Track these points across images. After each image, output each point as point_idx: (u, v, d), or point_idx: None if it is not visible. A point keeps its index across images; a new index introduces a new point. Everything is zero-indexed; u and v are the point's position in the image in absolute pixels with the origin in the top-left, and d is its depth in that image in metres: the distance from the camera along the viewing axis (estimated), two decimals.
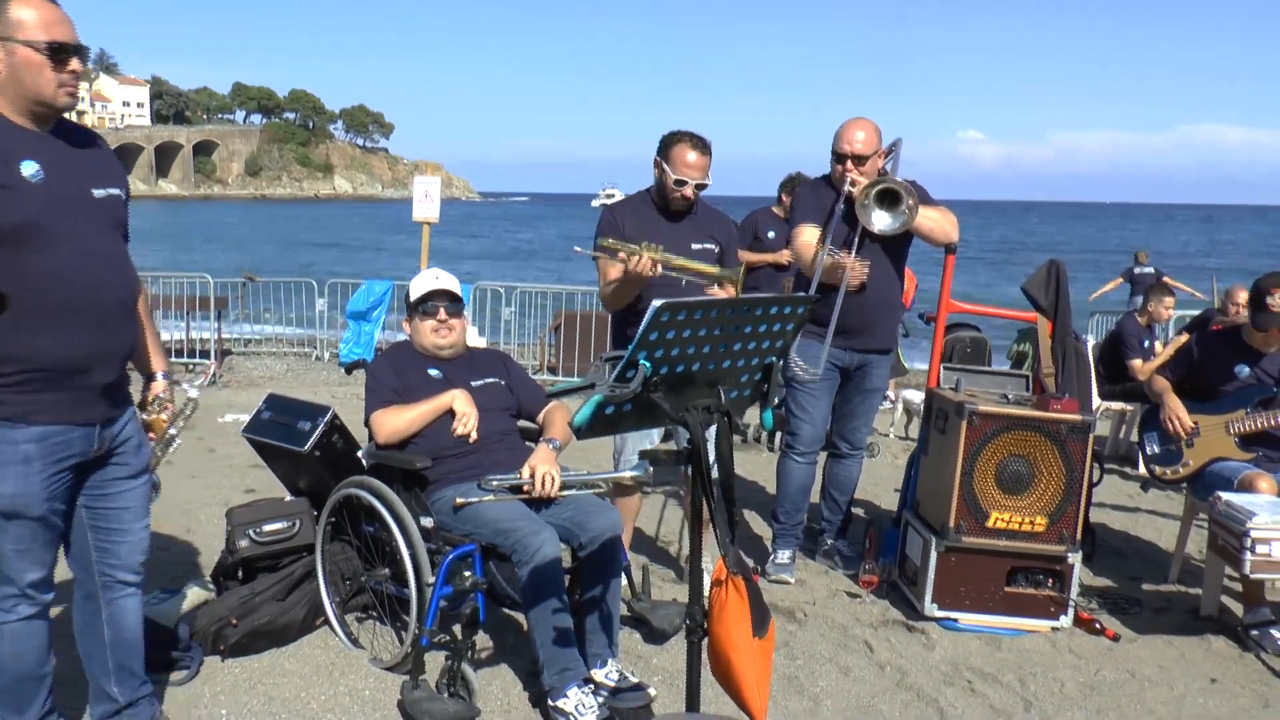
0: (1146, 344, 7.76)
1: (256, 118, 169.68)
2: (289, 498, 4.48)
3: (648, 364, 2.69)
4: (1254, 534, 4.08)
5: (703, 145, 4.38)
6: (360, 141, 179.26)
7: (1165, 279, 12.46)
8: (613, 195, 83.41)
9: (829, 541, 5.22)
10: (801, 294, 3.94)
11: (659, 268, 4.15)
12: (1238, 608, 4.68)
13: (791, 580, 4.91)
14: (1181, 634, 4.53)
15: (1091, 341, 8.23)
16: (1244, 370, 4.99)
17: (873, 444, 7.69)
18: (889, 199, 4.56)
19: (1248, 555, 4.08)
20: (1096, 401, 7.68)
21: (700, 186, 4.40)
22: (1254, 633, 4.40)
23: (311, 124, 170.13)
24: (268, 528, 4.16)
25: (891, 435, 8.53)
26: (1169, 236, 78.41)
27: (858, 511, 5.72)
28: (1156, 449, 5.11)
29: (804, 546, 5.21)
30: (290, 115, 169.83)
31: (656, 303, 2.57)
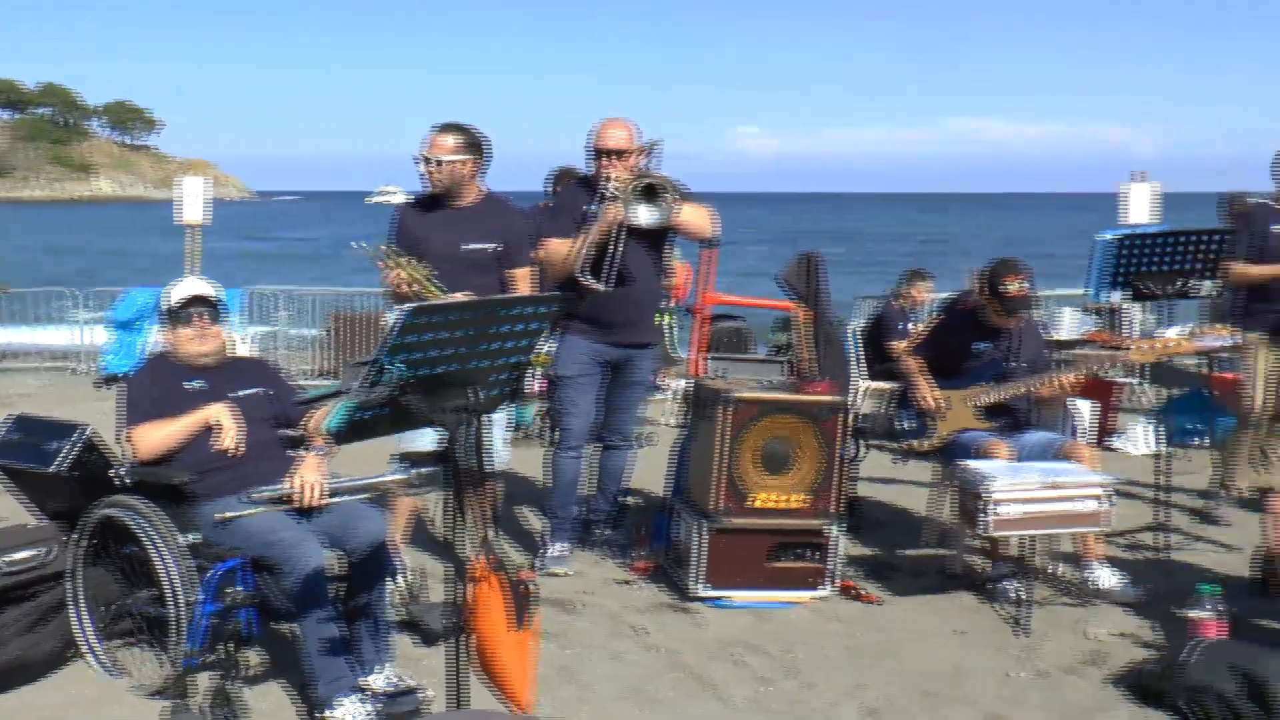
0: (904, 327, 8.19)
1: (3, 113, 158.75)
2: (35, 523, 4.28)
3: (401, 367, 2.73)
4: (990, 496, 4.40)
5: (449, 128, 4.48)
6: (125, 139, 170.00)
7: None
8: (391, 193, 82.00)
9: (603, 531, 5.35)
10: (549, 293, 4.04)
11: (412, 288, 4.22)
12: (986, 565, 5.05)
13: (567, 571, 5.01)
14: (934, 593, 4.87)
15: (859, 324, 8.65)
16: (982, 347, 5.35)
17: (651, 433, 7.88)
18: (650, 193, 4.70)
19: (985, 516, 4.41)
20: (864, 382, 8.09)
21: (451, 168, 4.52)
22: (993, 586, 4.77)
23: (68, 120, 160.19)
24: (16, 556, 3.97)
25: (669, 424, 8.73)
26: (938, 222, 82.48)
27: (635, 500, 5.88)
28: (909, 424, 5.43)
29: (580, 538, 5.32)
30: (43, 110, 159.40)
31: (408, 306, 2.62)
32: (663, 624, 4.48)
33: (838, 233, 64.34)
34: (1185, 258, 5.65)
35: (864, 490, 6.34)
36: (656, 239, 4.99)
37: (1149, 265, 5.65)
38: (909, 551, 5.45)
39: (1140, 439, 8.18)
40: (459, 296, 4.27)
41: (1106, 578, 4.88)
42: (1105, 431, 8.26)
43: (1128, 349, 5.52)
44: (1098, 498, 4.52)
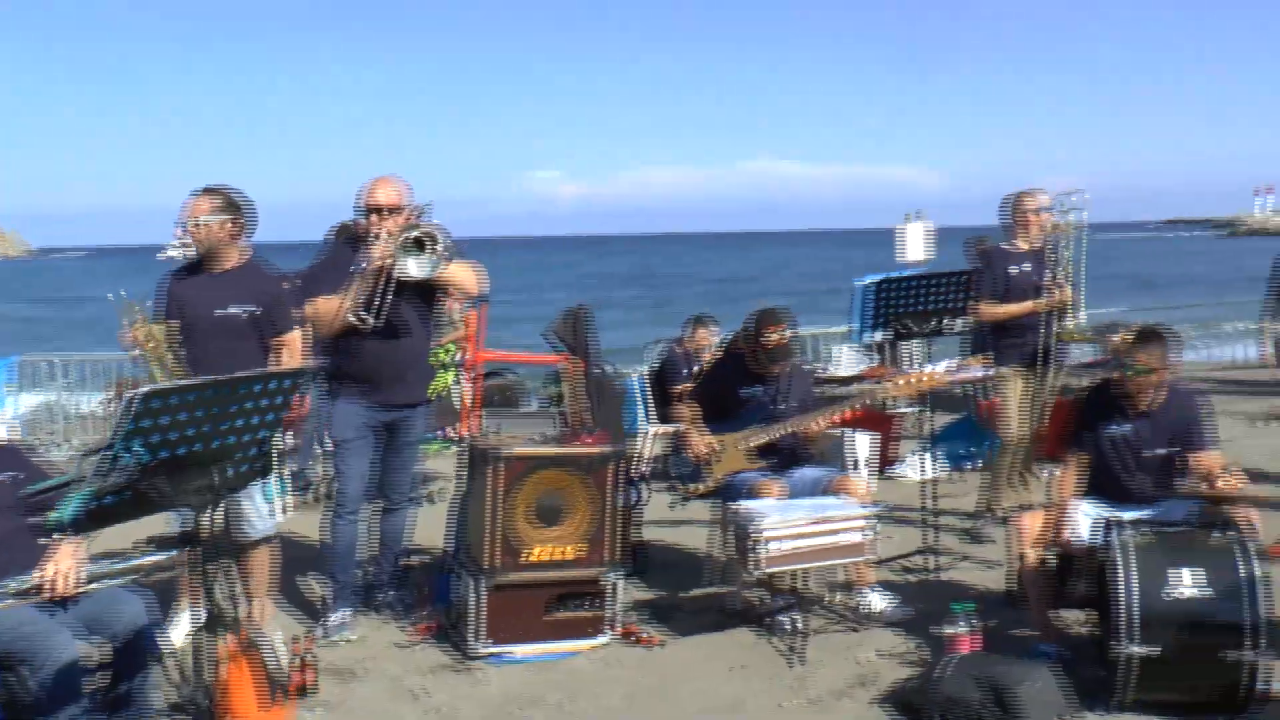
0: (686, 372, 8.38)
1: None
2: None
3: (139, 450, 2.68)
4: (759, 534, 4.56)
5: (207, 191, 4.53)
6: None
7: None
8: (188, 246, 79.05)
9: (387, 594, 5.29)
10: (295, 368, 4.02)
11: (148, 346, 4.17)
12: (766, 599, 5.19)
13: (349, 639, 4.93)
14: (715, 631, 4.99)
15: (646, 370, 8.81)
16: (751, 391, 5.54)
17: (443, 488, 7.83)
18: (420, 246, 4.71)
19: (755, 554, 4.56)
20: (651, 426, 8.23)
21: (209, 230, 4.51)
22: (771, 619, 4.93)
23: None
24: None
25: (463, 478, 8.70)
26: (737, 262, 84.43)
27: (420, 560, 5.84)
28: (684, 470, 5.56)
29: (363, 601, 5.25)
30: None
31: (141, 390, 2.58)
32: (443, 684, 4.46)
33: (633, 276, 65.17)
34: (938, 298, 5.99)
35: (651, 533, 6.46)
36: (426, 295, 5.01)
37: (906, 306, 5.97)
38: (693, 591, 5.56)
39: (919, 466, 8.56)
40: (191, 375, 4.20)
41: (877, 602, 5.10)
42: (887, 461, 8.62)
43: (886, 384, 5.80)
44: (862, 529, 4.74)
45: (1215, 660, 3.94)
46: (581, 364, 5.36)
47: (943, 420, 9.32)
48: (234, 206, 4.58)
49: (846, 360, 10.08)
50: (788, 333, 5.39)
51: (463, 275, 4.96)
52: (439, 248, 4.72)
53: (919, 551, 5.97)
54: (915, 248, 14.32)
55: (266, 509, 4.49)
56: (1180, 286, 38.84)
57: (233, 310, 4.50)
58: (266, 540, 4.61)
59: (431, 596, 5.15)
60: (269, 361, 4.56)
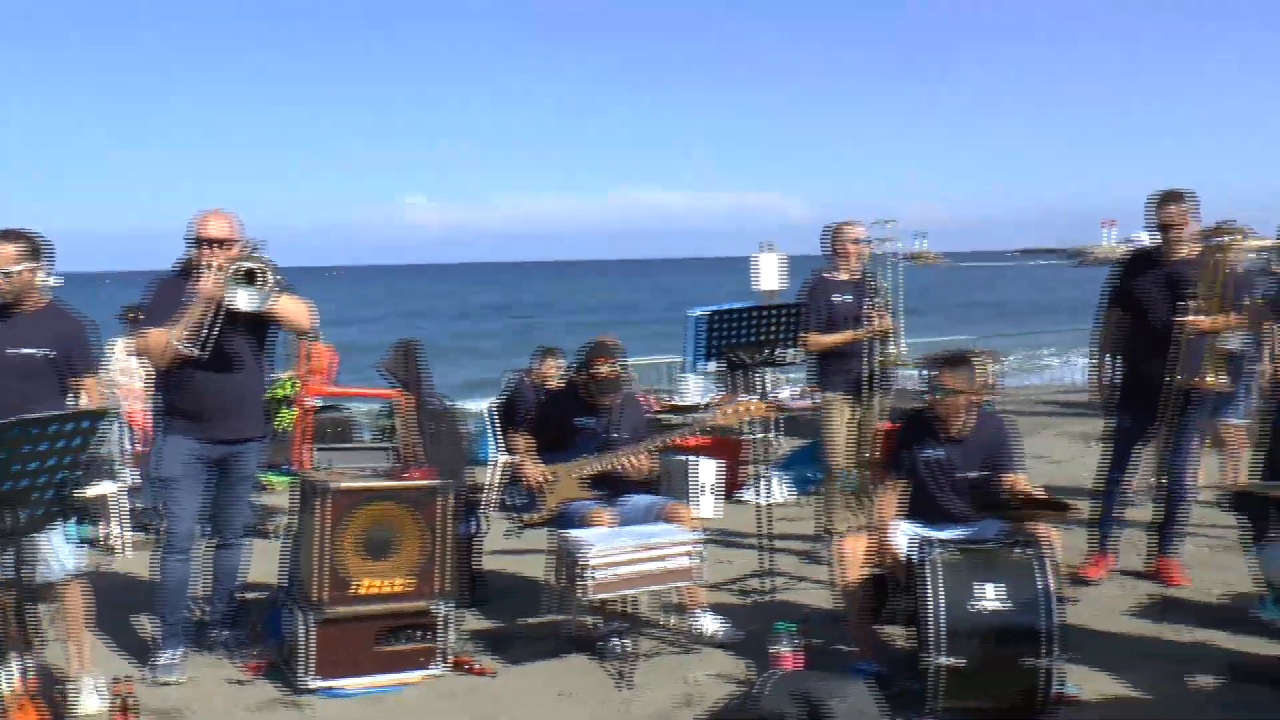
0: (534, 402, 8.43)
1: None
2: None
3: None
4: (587, 562, 4.63)
5: (8, 235, 4.42)
6: None
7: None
8: None
9: (221, 632, 5.21)
10: (92, 409, 3.96)
11: None
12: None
13: (178, 680, 4.84)
14: (549, 658, 5.04)
15: (495, 402, 8.84)
16: (584, 421, 5.64)
17: (285, 524, 7.73)
18: (251, 278, 4.69)
19: (583, 581, 4.63)
20: (500, 456, 8.25)
21: (21, 279, 4.42)
22: (603, 644, 5.00)
23: None
24: None
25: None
26: (605, 290, 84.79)
27: (257, 596, 5.76)
28: (519, 500, 5.62)
29: (196, 640, 5.16)
30: None
31: None
32: None
33: (501, 305, 64.96)
34: (768, 329, 6.15)
35: (495, 563, 6.49)
36: (258, 330, 4.97)
37: (737, 338, 6.12)
38: (530, 620, 5.61)
39: (769, 490, 8.75)
40: None
41: (709, 624, 5.22)
42: (734, 486, 8.79)
43: (714, 414, 5.96)
44: (689, 554, 4.86)
45: (1016, 667, 4.15)
46: (413, 398, 5.37)
47: (793, 445, 9.57)
48: (37, 251, 4.52)
49: (693, 388, 10.25)
50: (615, 367, 5.52)
51: (293, 310, 4.95)
52: (269, 281, 4.70)
53: (756, 574, 6.12)
54: (769, 276, 14.68)
55: (68, 549, 4.38)
56: (1036, 313, 40.35)
57: (27, 351, 4.42)
58: (74, 579, 4.49)
59: (265, 633, 5.09)
60: (68, 404, 4.50)
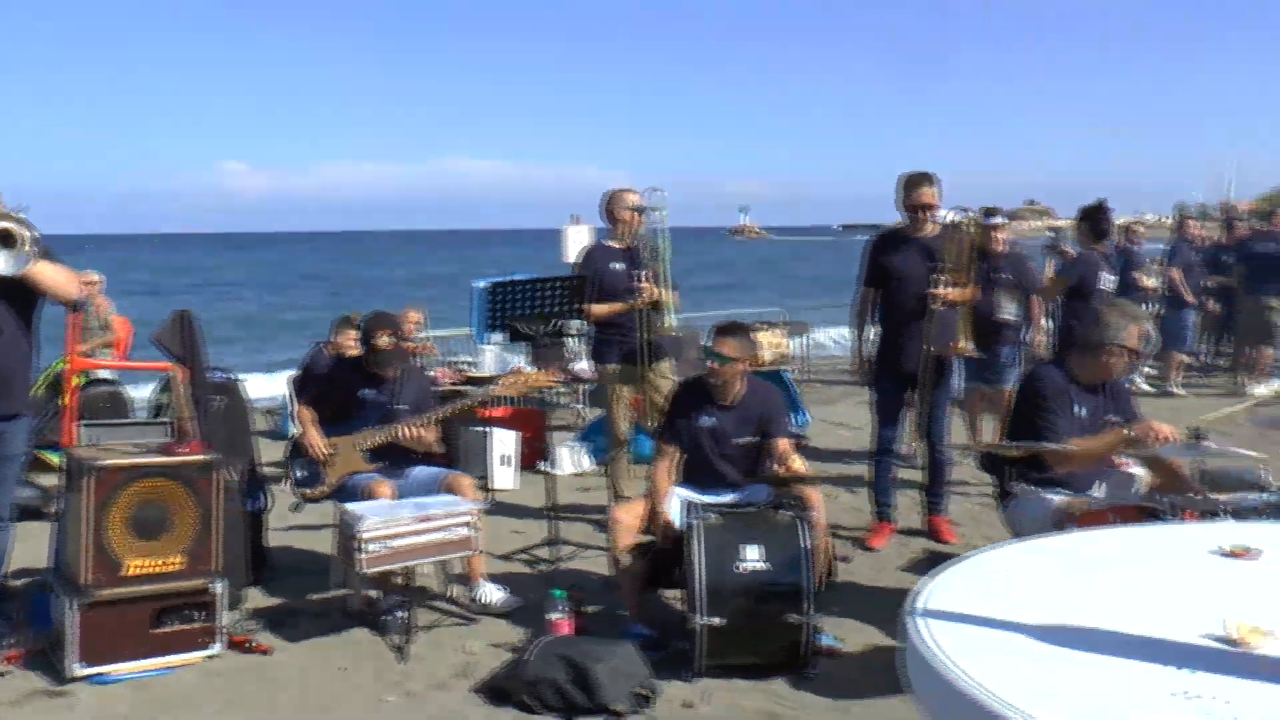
0: None
1: None
2: None
3: None
4: (362, 535, 4.65)
5: None
6: None
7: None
8: None
9: None
10: None
11: None
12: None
13: None
14: (331, 633, 5.03)
15: (294, 374, 8.69)
16: (367, 393, 5.63)
17: None
18: (8, 240, 4.47)
19: (360, 554, 4.65)
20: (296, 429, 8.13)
21: None
22: (384, 618, 5.03)
23: None
24: None
25: None
26: (426, 262, 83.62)
27: (26, 582, 5.56)
28: (302, 472, 5.58)
29: None
30: None
31: None
32: (30, 713, 4.28)
33: (317, 275, 63.44)
34: (550, 301, 6.22)
35: (286, 539, 6.42)
36: (21, 300, 4.76)
37: (519, 310, 6.17)
38: (316, 595, 5.58)
39: (568, 461, 8.86)
40: None
41: (490, 594, 5.30)
42: (536, 456, 8.88)
43: (493, 387, 6.02)
44: (468, 525, 4.92)
45: (777, 624, 4.36)
46: (188, 371, 5.26)
47: (596, 414, 9.71)
48: None
49: (492, 360, 10.30)
50: (393, 339, 5.55)
51: (56, 276, 4.74)
52: (27, 243, 4.48)
53: (544, 544, 6.23)
54: (579, 249, 14.78)
55: None
56: (848, 287, 41.39)
57: None
58: None
59: (28, 620, 4.93)
60: None
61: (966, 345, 6.04)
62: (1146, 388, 12.49)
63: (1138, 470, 4.86)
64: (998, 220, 7.87)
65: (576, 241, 15.26)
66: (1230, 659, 1.39)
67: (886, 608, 5.15)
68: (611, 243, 6.61)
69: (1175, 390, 12.28)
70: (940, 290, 5.89)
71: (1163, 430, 4.36)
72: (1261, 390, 12.29)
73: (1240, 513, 3.94)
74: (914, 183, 6.08)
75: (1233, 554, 1.81)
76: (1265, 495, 4.08)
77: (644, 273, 6.41)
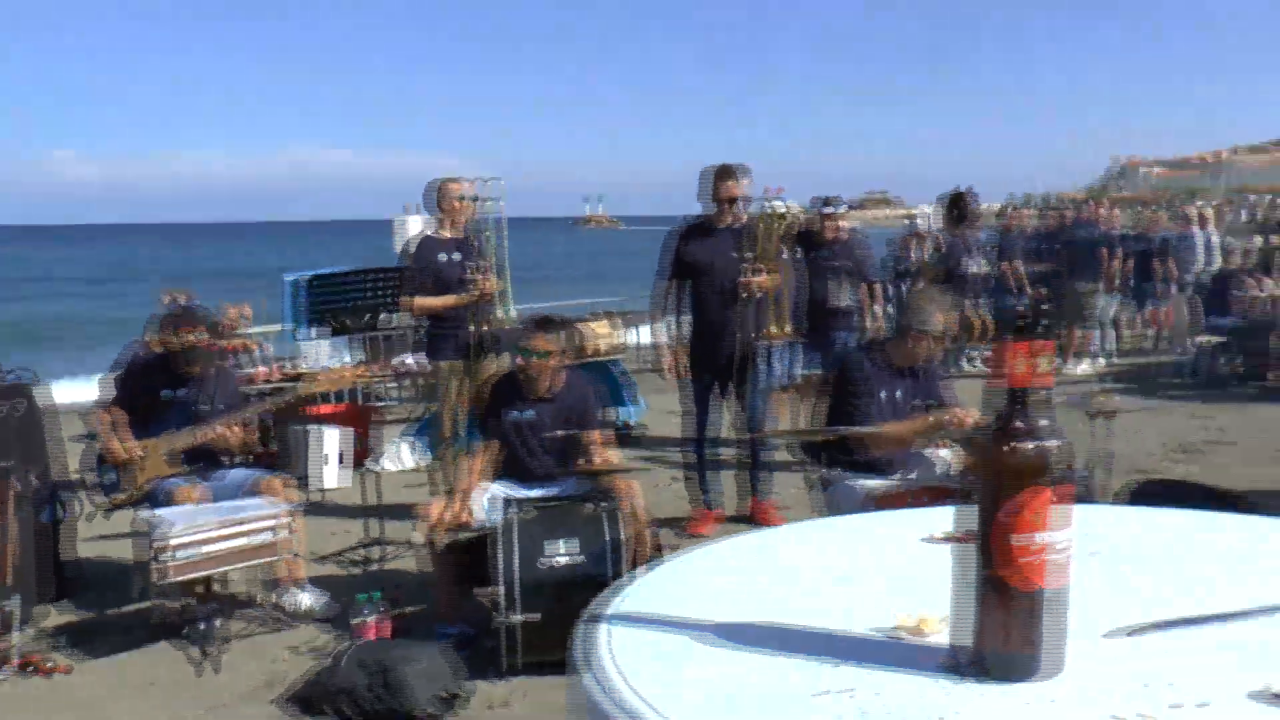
0: None
1: None
2: None
3: None
4: (165, 543, 4.47)
5: None
6: None
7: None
8: None
9: None
10: None
11: None
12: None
13: None
14: (135, 649, 4.83)
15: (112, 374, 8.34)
16: (172, 392, 5.42)
17: None
18: None
19: (162, 563, 4.48)
20: None
21: None
22: (192, 628, 4.83)
23: None
24: None
25: None
26: (268, 253, 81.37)
27: None
28: (109, 477, 5.34)
29: None
30: None
31: None
32: None
33: (157, 269, 61.08)
34: (371, 293, 6.10)
35: (92, 550, 6.15)
36: None
37: (339, 303, 6.03)
38: (121, 609, 5.36)
39: (399, 457, 8.71)
40: None
41: (305, 599, 5.17)
42: (365, 454, 8.69)
43: (306, 383, 5.88)
44: (277, 528, 4.79)
45: None
46: None
47: (429, 409, 9.57)
48: None
49: (316, 355, 10.06)
50: (202, 336, 5.35)
51: None
52: None
53: (365, 544, 6.11)
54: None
55: None
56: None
57: None
58: None
59: None
60: None
61: (783, 330, 6.13)
62: (970, 369, 12.95)
63: (946, 453, 5.00)
64: (833, 209, 8.04)
65: (412, 232, 15.07)
66: (897, 649, 1.41)
67: None
68: (443, 233, 6.50)
69: None
70: (752, 279, 5.95)
71: (967, 418, 4.49)
72: (1082, 369, 12.84)
73: None
74: (721, 175, 6.14)
75: (947, 539, 1.85)
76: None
77: (480, 264, 6.34)
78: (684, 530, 6.37)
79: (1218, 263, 13.68)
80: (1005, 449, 1.31)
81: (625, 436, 8.73)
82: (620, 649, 1.46)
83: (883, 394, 4.80)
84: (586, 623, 1.57)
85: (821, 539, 2.14)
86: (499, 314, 6.42)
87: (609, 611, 1.60)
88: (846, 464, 4.80)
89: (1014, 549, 1.29)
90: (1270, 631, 1.48)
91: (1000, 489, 1.30)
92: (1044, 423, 1.31)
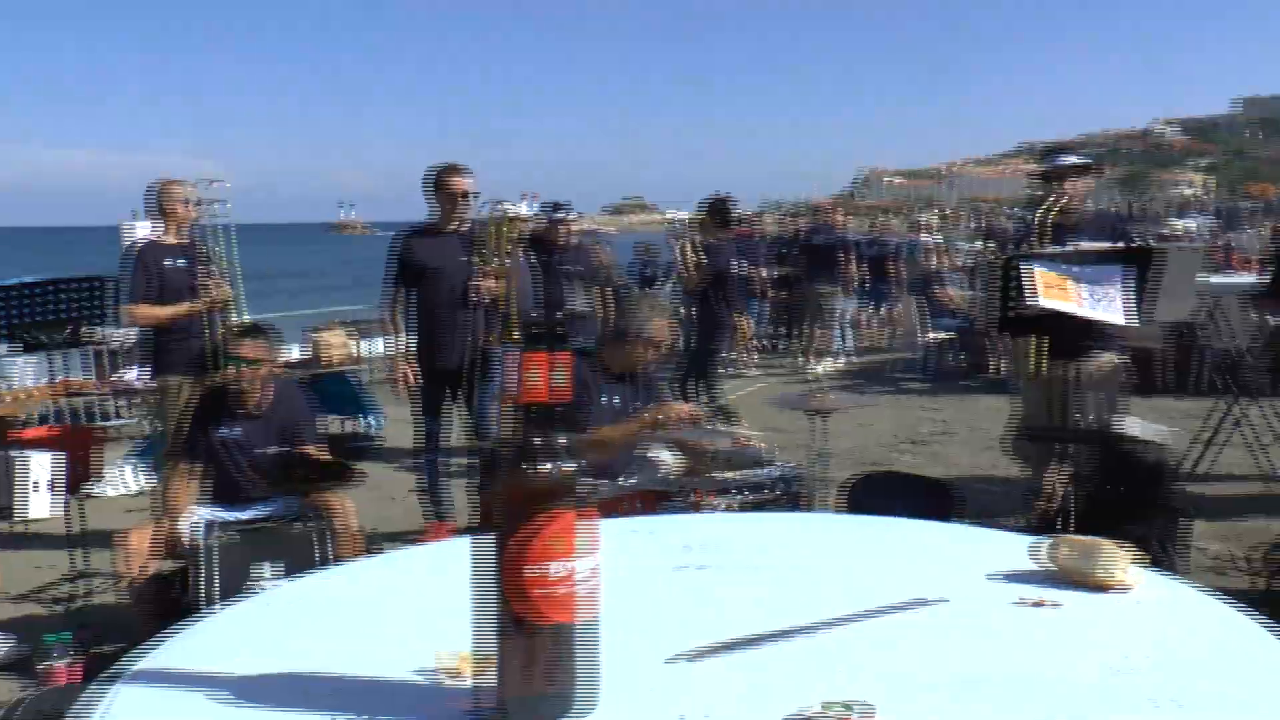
0: None
1: None
2: None
3: None
4: None
5: None
6: None
7: None
8: None
9: None
10: None
11: None
12: None
13: None
14: None
15: None
16: None
17: None
18: None
19: None
20: None
21: None
22: None
23: None
24: None
25: None
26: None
27: None
28: None
29: None
30: None
31: None
32: None
33: None
34: (67, 305, 5.65)
35: None
36: None
37: (33, 316, 5.57)
38: None
39: (124, 481, 8.17)
40: None
41: None
42: (82, 479, 8.10)
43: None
44: None
45: None
46: None
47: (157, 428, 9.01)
48: None
49: (25, 375, 9.36)
50: None
51: None
52: None
53: (71, 578, 5.66)
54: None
55: None
56: None
57: None
58: None
59: None
60: None
61: (512, 336, 6.02)
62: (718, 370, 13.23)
63: (668, 456, 5.00)
64: (562, 214, 8.02)
65: (142, 234, 14.23)
66: (430, 694, 1.31)
67: None
68: (167, 238, 6.07)
69: (747, 372, 13.09)
70: (480, 282, 5.82)
71: (681, 410, 4.49)
72: (823, 368, 13.31)
73: (745, 489, 4.14)
74: (446, 172, 5.97)
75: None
76: (768, 471, 4.30)
77: (210, 269, 5.95)
78: (417, 544, 6.17)
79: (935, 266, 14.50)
80: (518, 471, 1.19)
81: (365, 449, 8.47)
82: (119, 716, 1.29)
83: (602, 399, 4.77)
84: (100, 683, 1.39)
85: (424, 566, 2.02)
86: (233, 321, 5.96)
87: (130, 670, 1.44)
88: None
89: (527, 581, 1.17)
90: (835, 647, 1.46)
91: (513, 515, 1.18)
92: (563, 441, 1.21)
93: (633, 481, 4.78)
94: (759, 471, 4.28)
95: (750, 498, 4.19)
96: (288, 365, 10.97)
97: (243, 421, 4.82)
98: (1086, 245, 4.30)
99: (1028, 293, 3.82)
